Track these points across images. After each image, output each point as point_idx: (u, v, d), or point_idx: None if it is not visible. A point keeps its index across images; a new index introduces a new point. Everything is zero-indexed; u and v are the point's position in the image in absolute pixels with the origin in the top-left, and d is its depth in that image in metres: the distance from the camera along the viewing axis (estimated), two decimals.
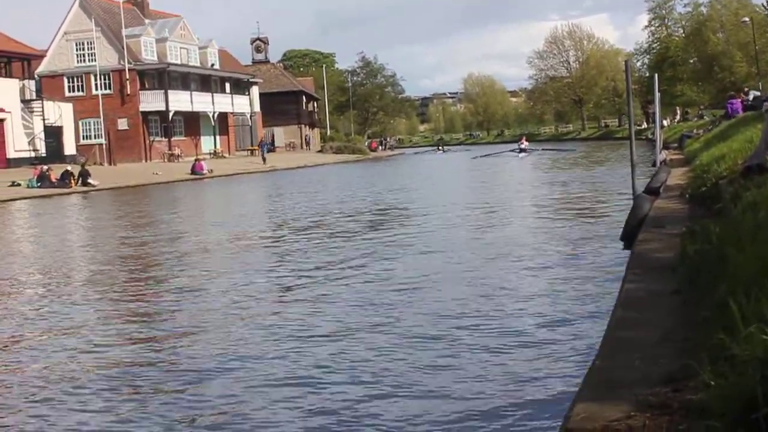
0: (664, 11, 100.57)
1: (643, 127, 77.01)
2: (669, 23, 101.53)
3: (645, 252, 7.24)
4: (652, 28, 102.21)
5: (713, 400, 3.09)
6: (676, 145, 34.49)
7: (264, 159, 61.57)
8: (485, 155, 58.12)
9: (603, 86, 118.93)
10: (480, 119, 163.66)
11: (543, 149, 62.63)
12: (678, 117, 74.18)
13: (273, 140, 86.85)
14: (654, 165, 20.39)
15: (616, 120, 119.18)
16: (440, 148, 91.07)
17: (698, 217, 8.63)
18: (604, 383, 3.71)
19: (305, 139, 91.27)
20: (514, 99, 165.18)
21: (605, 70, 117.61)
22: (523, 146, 61.50)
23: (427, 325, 7.68)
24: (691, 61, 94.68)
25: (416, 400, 5.58)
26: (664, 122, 60.22)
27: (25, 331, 8.57)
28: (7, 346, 7.88)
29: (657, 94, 20.24)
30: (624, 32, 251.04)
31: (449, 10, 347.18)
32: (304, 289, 10.08)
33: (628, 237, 10.43)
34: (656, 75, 24.95)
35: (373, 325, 7.82)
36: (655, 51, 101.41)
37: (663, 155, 21.85)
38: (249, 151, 73.32)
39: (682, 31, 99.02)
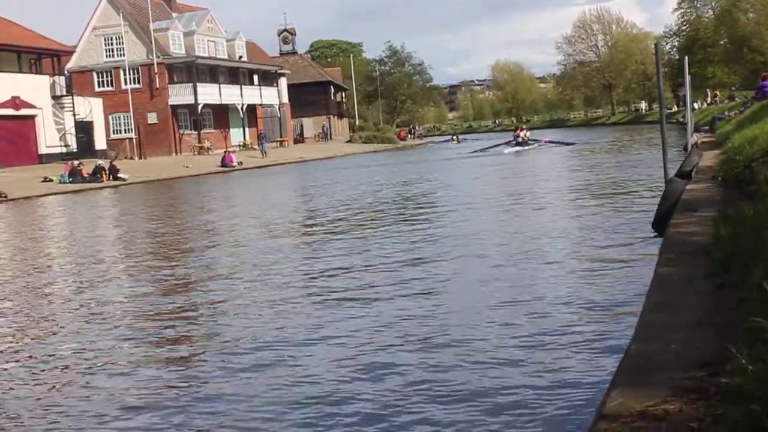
0: None
1: (673, 110, 76.49)
2: (698, 5, 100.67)
3: (678, 236, 7.19)
4: (682, 10, 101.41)
5: (751, 384, 3.07)
6: (707, 128, 34.22)
7: (264, 153, 58.95)
8: (477, 150, 49.56)
9: (632, 70, 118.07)
10: (509, 106, 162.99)
11: (547, 141, 50.34)
12: (709, 99, 73.58)
13: (302, 131, 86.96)
14: (685, 148, 20.25)
15: (647, 104, 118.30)
16: (454, 138, 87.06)
17: (731, 200, 8.56)
18: (639, 368, 3.70)
19: (323, 130, 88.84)
20: (542, 85, 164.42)
21: (634, 53, 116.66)
22: (519, 138, 48.99)
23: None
24: (722, 42, 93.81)
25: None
26: (695, 105, 59.72)
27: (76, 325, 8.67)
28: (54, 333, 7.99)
29: (687, 77, 20.09)
30: (651, 14, 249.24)
31: None
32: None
33: (661, 223, 10.36)
34: (686, 57, 24.71)
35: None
36: (684, 33, 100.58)
37: (694, 138, 21.71)
38: (278, 143, 73.48)
39: (711, 13, 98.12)
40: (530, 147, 47.47)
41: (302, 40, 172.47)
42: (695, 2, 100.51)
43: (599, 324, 6.93)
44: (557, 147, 46.92)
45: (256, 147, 62.65)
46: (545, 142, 50.09)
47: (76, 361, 7.06)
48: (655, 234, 10.46)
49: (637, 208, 14.52)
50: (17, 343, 7.96)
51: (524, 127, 58.19)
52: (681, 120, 46.43)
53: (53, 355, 7.36)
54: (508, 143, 49.49)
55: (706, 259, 5.77)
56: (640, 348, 4.02)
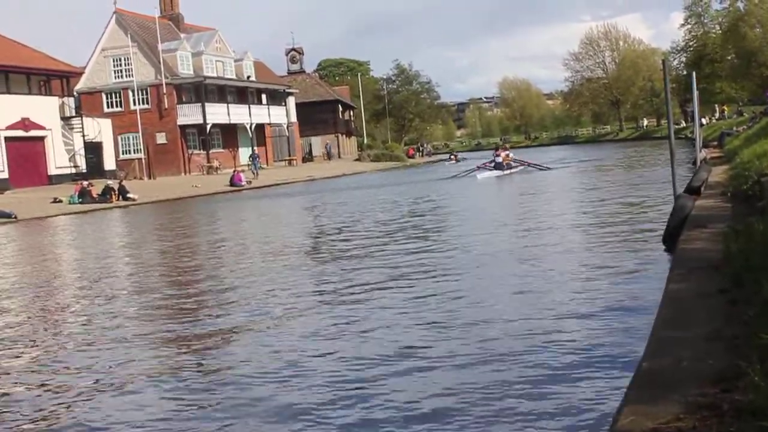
0: (700, 9, 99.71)
1: (681, 126, 76.48)
2: (705, 20, 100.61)
3: (688, 251, 7.18)
4: (689, 26, 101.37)
5: (763, 401, 3.05)
6: (715, 143, 34.21)
7: (255, 174, 57.04)
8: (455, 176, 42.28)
9: (640, 86, 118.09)
10: (517, 123, 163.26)
11: (530, 164, 42.77)
12: (717, 115, 73.54)
13: (311, 149, 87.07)
14: (694, 164, 20.23)
15: (654, 120, 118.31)
16: (452, 156, 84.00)
17: (741, 215, 8.54)
18: (651, 384, 3.68)
19: (326, 149, 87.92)
20: (549, 102, 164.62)
21: (641, 69, 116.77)
22: (500, 159, 41.38)
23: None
24: (729, 57, 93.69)
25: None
26: (703, 120, 59.68)
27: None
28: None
29: (695, 93, 20.11)
30: (658, 30, 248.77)
31: (477, 13, 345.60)
32: None
33: (671, 238, 10.33)
34: (693, 73, 24.74)
35: None
36: (692, 49, 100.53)
37: (703, 154, 21.69)
38: (287, 162, 73.57)
39: (718, 28, 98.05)
40: (512, 171, 40.71)
41: (310, 56, 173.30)
42: (702, 17, 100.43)
43: (609, 340, 6.90)
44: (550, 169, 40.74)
45: (264, 166, 62.60)
46: (529, 164, 42.46)
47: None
48: (666, 249, 10.44)
49: (647, 224, 14.47)
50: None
51: (507, 146, 50.64)
52: (689, 135, 46.34)
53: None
54: (484, 166, 42.13)
55: (716, 275, 5.75)
56: (651, 364, 4.00)
